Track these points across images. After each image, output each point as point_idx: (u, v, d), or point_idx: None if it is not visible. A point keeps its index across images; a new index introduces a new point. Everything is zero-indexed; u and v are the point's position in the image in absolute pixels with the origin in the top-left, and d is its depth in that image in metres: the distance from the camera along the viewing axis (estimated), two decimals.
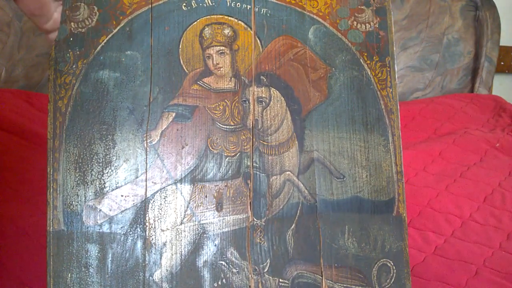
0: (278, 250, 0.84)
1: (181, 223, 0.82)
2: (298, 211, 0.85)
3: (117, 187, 0.82)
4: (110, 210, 0.81)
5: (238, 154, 0.85)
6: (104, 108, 0.83)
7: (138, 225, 0.81)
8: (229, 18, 0.88)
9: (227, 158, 0.85)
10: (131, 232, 0.81)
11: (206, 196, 0.84)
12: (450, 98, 2.08)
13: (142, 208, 0.82)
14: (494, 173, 1.54)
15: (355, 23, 0.90)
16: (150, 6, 0.86)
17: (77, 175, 0.81)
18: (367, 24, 0.90)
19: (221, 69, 0.87)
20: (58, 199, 0.81)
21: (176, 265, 0.82)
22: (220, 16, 0.88)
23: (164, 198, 0.82)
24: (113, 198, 0.81)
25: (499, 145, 1.73)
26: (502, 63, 2.34)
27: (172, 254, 0.82)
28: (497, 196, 1.43)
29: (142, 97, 0.84)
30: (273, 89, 0.87)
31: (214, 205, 0.84)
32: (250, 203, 0.84)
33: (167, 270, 0.81)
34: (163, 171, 0.83)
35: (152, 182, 0.82)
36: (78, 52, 0.84)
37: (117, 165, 0.82)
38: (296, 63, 0.88)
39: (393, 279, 0.85)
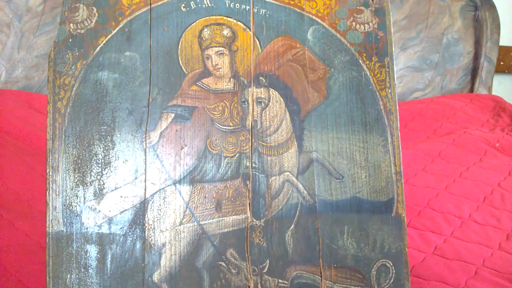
0: (277, 250, 0.84)
1: (180, 224, 0.83)
2: (297, 212, 0.85)
3: (116, 188, 0.82)
4: (109, 211, 0.81)
5: (237, 155, 0.85)
6: (103, 109, 0.83)
7: (137, 226, 0.81)
8: (228, 19, 0.88)
9: (226, 159, 0.85)
10: (130, 233, 0.81)
11: (205, 197, 0.84)
12: (449, 98, 2.08)
13: (141, 209, 0.82)
14: (494, 173, 1.54)
15: (354, 23, 0.90)
16: (149, 7, 0.86)
17: (76, 176, 0.81)
18: (366, 25, 0.90)
19: (220, 70, 0.87)
20: (57, 200, 0.81)
21: (175, 265, 0.82)
22: (219, 17, 0.88)
23: (163, 198, 0.83)
24: (112, 199, 0.81)
25: (498, 145, 1.73)
26: (501, 63, 2.34)
27: (171, 255, 0.82)
28: (496, 196, 1.43)
29: (141, 98, 0.84)
30: (272, 89, 0.87)
31: (213, 206, 0.84)
32: (249, 203, 0.84)
33: (166, 271, 0.81)
34: (162, 172, 0.83)
35: (151, 183, 0.82)
36: (77, 53, 0.84)
37: (116, 166, 0.82)
38: (295, 64, 0.88)
39: (392, 280, 0.85)
